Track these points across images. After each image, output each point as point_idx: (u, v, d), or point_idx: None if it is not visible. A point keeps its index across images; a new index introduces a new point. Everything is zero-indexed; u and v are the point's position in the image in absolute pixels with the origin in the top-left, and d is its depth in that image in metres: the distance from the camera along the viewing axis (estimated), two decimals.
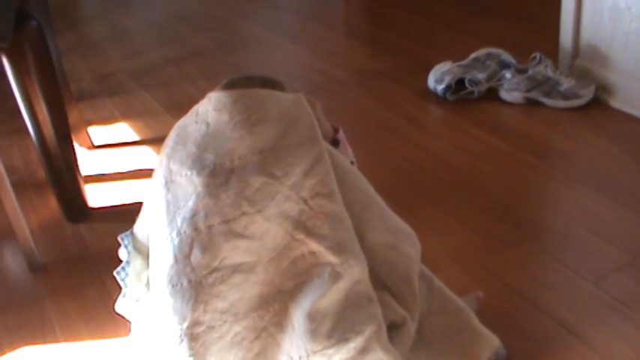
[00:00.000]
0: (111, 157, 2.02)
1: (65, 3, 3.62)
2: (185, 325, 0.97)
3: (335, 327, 0.97)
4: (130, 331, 1.14)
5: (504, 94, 2.09)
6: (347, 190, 1.06)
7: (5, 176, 1.51)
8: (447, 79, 2.10)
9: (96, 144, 2.09)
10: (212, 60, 2.67)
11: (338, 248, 1.00)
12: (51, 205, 1.79)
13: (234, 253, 0.99)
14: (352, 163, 1.22)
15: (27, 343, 1.36)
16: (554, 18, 2.11)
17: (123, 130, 2.17)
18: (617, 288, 1.33)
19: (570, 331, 1.24)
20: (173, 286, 0.98)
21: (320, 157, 1.03)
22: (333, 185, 1.03)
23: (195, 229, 0.99)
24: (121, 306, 1.13)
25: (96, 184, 1.88)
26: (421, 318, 1.12)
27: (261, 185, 1.00)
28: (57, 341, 1.36)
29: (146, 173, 1.90)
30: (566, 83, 2.00)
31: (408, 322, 1.07)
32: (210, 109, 1.06)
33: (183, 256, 0.99)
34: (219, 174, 1.01)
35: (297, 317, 0.98)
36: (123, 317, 1.16)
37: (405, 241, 1.11)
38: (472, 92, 2.10)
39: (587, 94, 1.99)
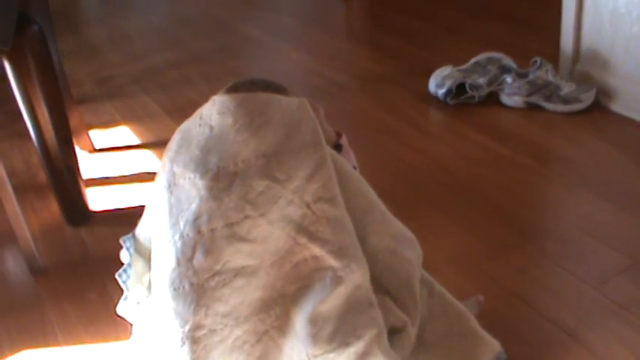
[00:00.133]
0: (112, 161, 2.02)
1: (66, 7, 3.62)
2: (187, 328, 0.97)
3: (336, 331, 0.97)
4: (130, 334, 1.14)
5: (505, 99, 2.09)
6: (349, 195, 1.06)
7: (6, 179, 1.51)
8: (448, 83, 2.10)
9: (97, 147, 2.09)
10: (213, 64, 2.67)
11: (340, 253, 1.00)
12: (52, 208, 1.79)
13: (237, 256, 0.99)
14: (354, 167, 1.22)
15: (28, 347, 1.36)
16: (554, 22, 2.12)
17: (124, 134, 2.17)
18: (617, 292, 1.33)
19: (571, 335, 1.24)
20: (175, 289, 0.98)
21: (323, 161, 1.04)
22: (336, 190, 1.04)
23: (198, 232, 0.99)
24: (122, 309, 1.13)
25: (97, 187, 1.88)
26: (422, 322, 1.12)
27: (264, 189, 1.00)
28: (58, 345, 1.36)
29: (147, 177, 1.90)
30: (567, 88, 2.00)
31: (409, 327, 1.07)
32: (214, 112, 1.06)
33: (185, 259, 0.99)
34: (223, 177, 1.01)
35: (299, 321, 0.98)
36: (124, 320, 1.16)
37: (406, 246, 1.11)
38: (473, 97, 2.10)
39: (588, 98, 1.99)
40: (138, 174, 1.93)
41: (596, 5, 1.95)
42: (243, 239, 0.99)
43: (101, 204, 1.80)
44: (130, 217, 1.21)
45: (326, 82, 2.40)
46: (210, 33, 3.03)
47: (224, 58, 2.73)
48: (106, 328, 1.37)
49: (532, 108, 2.05)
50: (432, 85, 2.17)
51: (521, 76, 2.06)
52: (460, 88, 2.11)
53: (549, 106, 2.02)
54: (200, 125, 1.07)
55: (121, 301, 1.13)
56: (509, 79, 2.06)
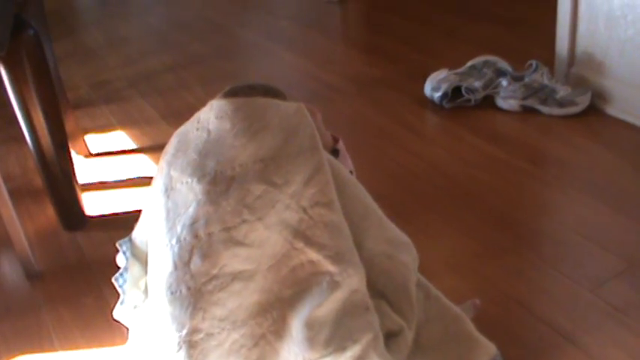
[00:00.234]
0: (108, 165, 2.02)
1: (62, 10, 3.62)
2: (184, 332, 0.97)
3: (332, 335, 0.97)
4: (127, 338, 1.14)
5: (501, 102, 2.09)
6: (346, 200, 1.06)
7: (2, 184, 1.51)
8: (444, 86, 2.11)
9: (93, 152, 2.09)
10: (209, 67, 2.67)
11: (337, 257, 1.00)
12: (48, 213, 1.79)
13: (234, 260, 0.99)
14: (351, 172, 1.22)
15: (23, 352, 1.35)
16: (550, 26, 2.12)
17: (120, 138, 2.17)
18: (613, 295, 1.33)
19: (567, 338, 1.24)
20: (172, 293, 0.98)
21: (320, 166, 1.04)
22: (333, 195, 1.04)
23: (196, 236, 0.99)
24: (119, 313, 1.13)
25: (93, 192, 1.88)
26: (418, 326, 1.12)
27: (261, 193, 1.00)
28: (54, 350, 1.35)
29: (143, 181, 1.90)
30: (563, 91, 2.01)
31: (405, 331, 1.07)
32: (211, 116, 1.06)
33: (182, 264, 0.99)
34: (220, 181, 1.01)
35: (295, 325, 0.98)
36: (121, 324, 1.16)
37: (402, 251, 1.11)
38: (469, 100, 2.10)
39: (583, 101, 2.00)
40: (134, 178, 1.93)
41: (591, 8, 1.95)
42: (240, 243, 0.99)
43: (97, 208, 1.80)
44: (126, 221, 1.21)
45: (322, 86, 2.40)
46: (206, 36, 3.03)
47: (220, 61, 2.73)
48: (102, 333, 1.37)
49: (528, 111, 2.05)
50: (427, 89, 2.17)
51: (516, 79, 2.06)
52: (456, 92, 2.11)
53: (545, 109, 2.03)
54: (198, 129, 1.07)
55: (118, 305, 1.13)
56: (504, 83, 2.07)
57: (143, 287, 1.11)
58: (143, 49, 2.96)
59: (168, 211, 1.03)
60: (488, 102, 2.12)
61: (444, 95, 2.11)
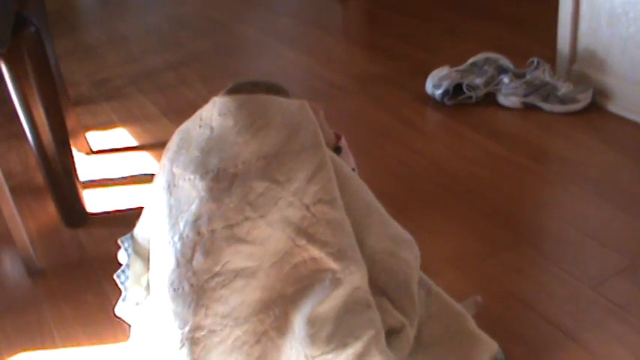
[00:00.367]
0: (109, 162, 2.02)
1: (63, 8, 3.62)
2: (186, 329, 0.97)
3: (334, 332, 0.97)
4: (128, 336, 1.14)
5: (502, 99, 2.09)
6: (348, 197, 1.06)
7: (3, 181, 1.51)
8: (445, 84, 2.10)
9: (94, 149, 2.09)
10: (210, 64, 2.67)
11: (339, 255, 1.00)
12: (49, 210, 1.79)
13: (237, 257, 0.99)
14: (353, 169, 1.22)
15: (25, 349, 1.35)
16: (551, 23, 2.12)
17: (121, 135, 2.17)
18: (615, 292, 1.33)
19: (569, 335, 1.24)
20: (174, 290, 0.98)
21: (323, 163, 1.04)
22: (336, 192, 1.04)
23: (198, 233, 0.99)
24: (120, 309, 1.13)
25: (94, 189, 1.88)
26: (419, 323, 1.12)
27: (264, 190, 1.00)
28: (55, 347, 1.35)
29: (144, 178, 1.90)
30: (564, 88, 2.01)
31: (407, 328, 1.07)
32: (214, 113, 1.06)
33: (185, 260, 0.99)
34: (223, 178, 1.01)
35: (297, 322, 0.98)
36: (122, 321, 1.16)
37: (404, 248, 1.11)
38: (470, 97, 2.10)
39: (585, 98, 2.00)
40: (135, 175, 1.93)
41: (593, 6, 1.95)
42: (242, 240, 0.99)
43: (98, 205, 1.80)
44: (127, 218, 1.21)
45: (323, 83, 2.40)
46: (207, 34, 3.03)
47: (221, 58, 2.73)
48: (103, 330, 1.37)
49: (529, 108, 2.05)
50: (429, 86, 2.17)
51: (518, 76, 2.06)
52: (457, 89, 2.11)
53: (546, 106, 2.03)
54: (200, 126, 1.07)
55: (120, 301, 1.13)
56: (506, 80, 2.07)
57: (145, 284, 1.11)
58: (144, 46, 2.96)
59: (170, 208, 1.02)
60: (489, 99, 2.11)
61: (446, 92, 2.11)
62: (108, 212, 1.77)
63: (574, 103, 2.00)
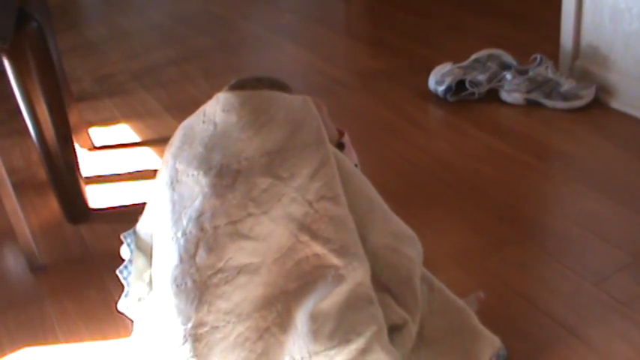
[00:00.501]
0: (111, 158, 2.02)
1: (65, 3, 3.62)
2: (189, 325, 0.97)
3: (337, 328, 0.97)
4: (130, 331, 1.14)
5: (505, 96, 2.09)
6: (351, 193, 1.06)
7: (6, 177, 1.51)
8: (448, 80, 2.10)
9: (96, 145, 2.09)
10: (213, 60, 2.67)
11: (342, 251, 1.01)
12: (51, 205, 1.79)
13: (240, 254, 0.99)
14: (356, 166, 1.22)
15: (27, 344, 1.36)
16: (554, 19, 2.12)
17: (123, 131, 2.17)
18: (617, 288, 1.33)
19: (571, 331, 1.24)
20: (177, 285, 0.99)
21: (326, 160, 1.04)
22: (339, 189, 1.04)
23: (201, 229, 0.99)
24: (123, 305, 1.13)
25: (96, 184, 1.88)
26: (422, 319, 1.12)
27: (267, 187, 1.00)
28: (57, 342, 1.36)
29: (147, 174, 1.90)
30: (567, 84, 2.00)
31: (409, 324, 1.07)
32: (217, 109, 1.06)
33: (188, 256, 0.99)
34: (226, 175, 1.01)
35: (300, 318, 0.98)
36: (125, 317, 1.16)
37: (406, 244, 1.11)
38: (472, 93, 2.10)
39: (588, 95, 1.99)
40: (137, 171, 1.93)
41: (596, 1, 1.95)
42: (245, 237, 0.99)
43: (101, 201, 1.80)
44: (129, 214, 1.21)
45: (326, 79, 2.40)
46: (210, 29, 3.02)
47: (224, 54, 2.73)
48: (105, 326, 1.37)
49: (532, 105, 2.05)
50: (431, 82, 2.16)
51: (521, 72, 2.06)
52: (460, 85, 2.11)
53: (549, 102, 2.02)
54: (204, 122, 1.07)
55: (122, 297, 1.13)
56: (509, 76, 2.06)
57: (147, 279, 1.11)
58: (146, 42, 2.96)
59: (173, 204, 1.03)
60: (492, 95, 2.11)
61: (448, 89, 2.10)
62: (110, 208, 1.77)
63: (577, 100, 1.99)
